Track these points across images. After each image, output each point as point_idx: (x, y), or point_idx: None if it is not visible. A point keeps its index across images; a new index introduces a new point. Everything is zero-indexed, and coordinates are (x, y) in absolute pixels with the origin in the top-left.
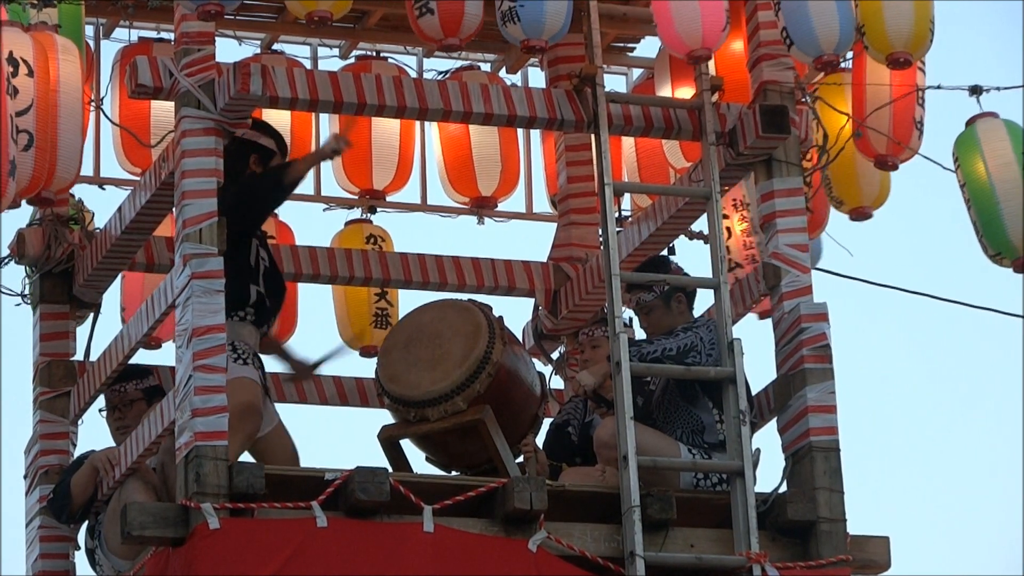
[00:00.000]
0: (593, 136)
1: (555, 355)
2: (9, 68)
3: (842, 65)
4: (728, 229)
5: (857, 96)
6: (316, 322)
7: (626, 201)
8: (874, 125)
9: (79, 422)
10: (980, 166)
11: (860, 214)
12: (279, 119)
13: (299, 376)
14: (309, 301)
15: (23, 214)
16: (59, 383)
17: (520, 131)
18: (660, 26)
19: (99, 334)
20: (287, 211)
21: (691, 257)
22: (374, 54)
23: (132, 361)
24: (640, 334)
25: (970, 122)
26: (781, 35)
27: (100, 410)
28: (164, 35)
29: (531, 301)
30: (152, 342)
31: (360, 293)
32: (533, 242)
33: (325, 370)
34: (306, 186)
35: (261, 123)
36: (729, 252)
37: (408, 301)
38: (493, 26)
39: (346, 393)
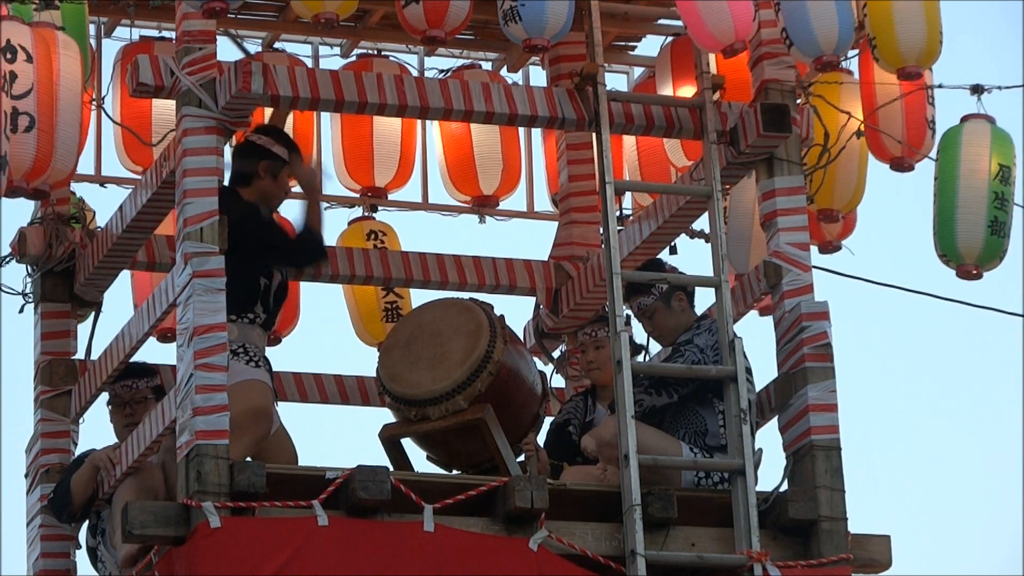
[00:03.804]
0: (594, 135)
1: (556, 354)
2: (7, 55)
3: (842, 64)
4: None
5: (866, 95)
6: (321, 319)
7: (627, 200)
8: (887, 127)
9: (80, 421)
10: (954, 166)
11: (828, 216)
12: None
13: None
14: (313, 298)
15: (24, 212)
16: (60, 382)
17: (521, 130)
18: (689, 26)
19: (100, 333)
20: (289, 210)
21: (692, 256)
22: (375, 53)
23: (133, 360)
24: (640, 334)
25: (964, 119)
26: (781, 35)
27: (108, 403)
28: (165, 34)
29: (532, 300)
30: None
31: (368, 289)
32: (534, 241)
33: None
34: None
35: (275, 130)
36: None
37: (416, 295)
38: (494, 24)
39: (347, 392)
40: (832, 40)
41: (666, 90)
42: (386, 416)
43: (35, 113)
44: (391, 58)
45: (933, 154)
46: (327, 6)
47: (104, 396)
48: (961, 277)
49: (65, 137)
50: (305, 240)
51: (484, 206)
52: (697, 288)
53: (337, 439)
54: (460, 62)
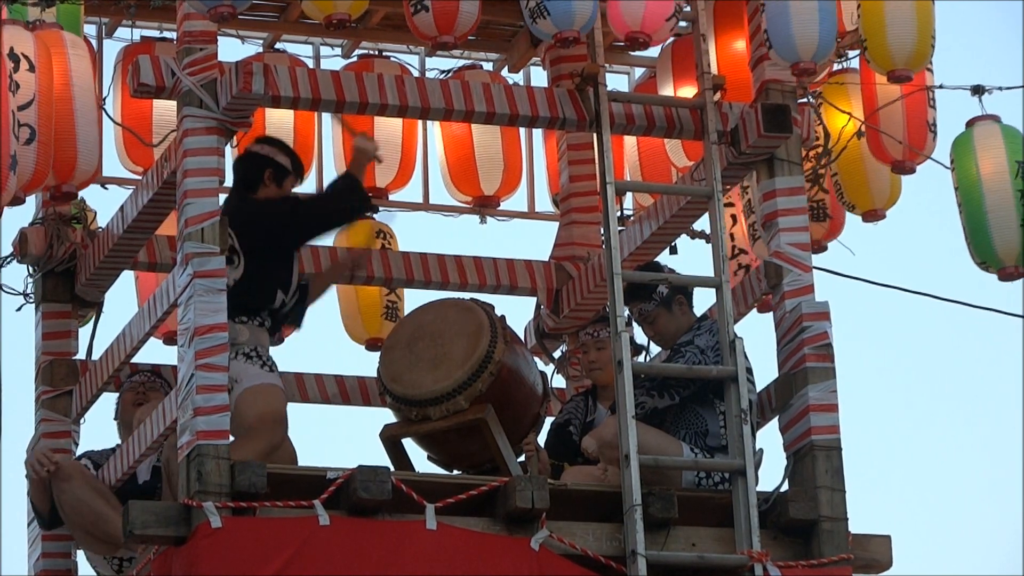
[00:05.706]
0: (595, 135)
1: (557, 354)
2: (10, 64)
3: (844, 65)
4: (733, 217)
5: (867, 96)
6: (323, 319)
7: (628, 200)
8: (888, 129)
9: (81, 421)
10: (973, 172)
11: (873, 216)
12: (282, 118)
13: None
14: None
15: (26, 213)
16: (61, 382)
17: (522, 130)
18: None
19: (101, 333)
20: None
21: (693, 256)
22: (376, 53)
23: (133, 360)
24: (640, 336)
25: (970, 124)
26: (763, 37)
27: (120, 390)
28: (166, 34)
29: (533, 300)
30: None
31: (371, 288)
32: (535, 241)
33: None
34: (308, 186)
35: (279, 142)
36: (734, 240)
37: (412, 297)
38: (495, 25)
39: (348, 392)
40: (811, 47)
41: (667, 90)
42: (387, 416)
43: (36, 125)
44: (392, 59)
45: (936, 157)
46: (338, 7)
47: (104, 398)
48: (1003, 280)
49: (85, 139)
50: (342, 186)
51: (485, 206)
52: (697, 289)
53: (338, 439)
54: (461, 62)
